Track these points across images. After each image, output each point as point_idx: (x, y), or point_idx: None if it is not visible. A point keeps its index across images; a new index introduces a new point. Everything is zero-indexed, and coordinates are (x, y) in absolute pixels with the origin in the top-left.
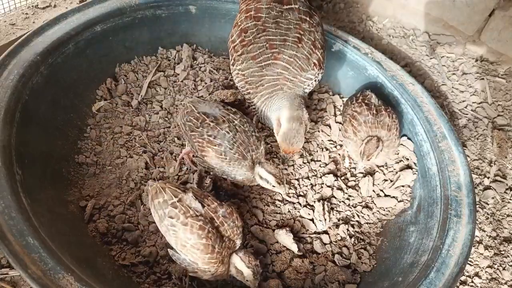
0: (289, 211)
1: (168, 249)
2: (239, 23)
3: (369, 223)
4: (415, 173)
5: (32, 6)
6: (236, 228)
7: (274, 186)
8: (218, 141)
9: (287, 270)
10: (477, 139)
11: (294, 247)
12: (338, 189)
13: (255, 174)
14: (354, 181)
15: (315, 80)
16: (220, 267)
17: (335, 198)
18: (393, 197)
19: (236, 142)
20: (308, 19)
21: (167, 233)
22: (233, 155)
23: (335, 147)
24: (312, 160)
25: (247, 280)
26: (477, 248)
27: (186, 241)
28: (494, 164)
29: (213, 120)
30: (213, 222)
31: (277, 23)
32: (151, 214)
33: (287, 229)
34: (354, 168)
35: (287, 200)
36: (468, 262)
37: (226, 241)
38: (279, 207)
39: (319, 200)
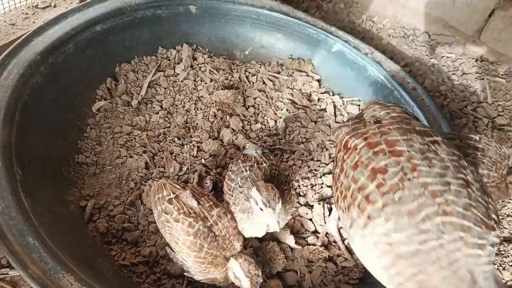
0: None
1: (166, 247)
2: (365, 162)
3: None
4: None
5: (32, 6)
6: (231, 228)
7: (262, 209)
8: (232, 176)
9: (287, 271)
10: None
11: (290, 241)
12: None
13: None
14: None
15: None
16: (212, 269)
17: None
18: None
19: (246, 183)
20: (460, 153)
21: (162, 229)
22: (240, 194)
23: (335, 147)
24: (312, 160)
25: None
26: None
27: (178, 237)
28: None
29: (243, 158)
30: (205, 221)
31: (428, 159)
32: (151, 214)
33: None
34: None
35: None
36: None
37: (220, 242)
38: None
39: (319, 201)
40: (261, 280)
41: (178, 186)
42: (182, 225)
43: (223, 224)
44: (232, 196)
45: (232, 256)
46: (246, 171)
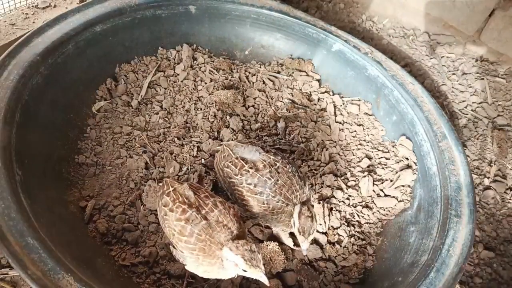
0: None
1: (170, 246)
2: None
3: (369, 223)
4: (415, 173)
5: (32, 6)
6: (230, 216)
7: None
8: (259, 189)
9: (287, 271)
10: (477, 139)
11: (289, 242)
12: (338, 188)
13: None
14: (354, 181)
15: None
16: (202, 257)
17: (335, 198)
18: (393, 197)
19: (278, 189)
20: None
21: (163, 224)
22: (276, 203)
23: (335, 147)
24: (312, 159)
25: (244, 271)
26: (477, 248)
27: (174, 228)
28: (494, 164)
29: (253, 166)
30: (200, 209)
31: None
32: (151, 214)
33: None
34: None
35: None
36: (468, 262)
37: (216, 228)
38: None
39: (319, 201)
40: (258, 257)
41: (176, 182)
42: (175, 214)
43: (220, 211)
44: (269, 207)
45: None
46: (270, 179)
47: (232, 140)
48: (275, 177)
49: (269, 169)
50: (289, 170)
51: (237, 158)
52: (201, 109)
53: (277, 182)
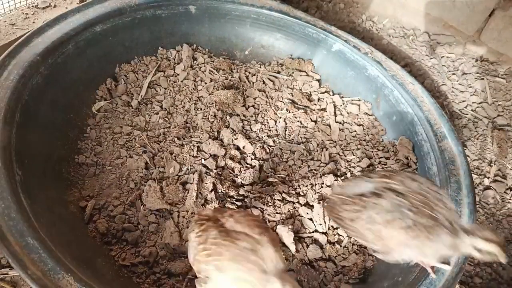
0: (288, 211)
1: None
2: None
3: None
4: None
5: (32, 6)
6: (252, 221)
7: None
8: (397, 214)
9: (287, 271)
10: (477, 139)
11: (292, 247)
12: None
13: (464, 246)
14: None
15: None
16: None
17: None
18: None
19: (414, 204)
20: None
21: (192, 261)
22: (422, 220)
23: (335, 147)
24: (312, 159)
25: None
26: None
27: (196, 247)
28: (494, 164)
29: (372, 195)
30: (216, 222)
31: None
32: (151, 214)
33: (290, 227)
34: None
35: (287, 200)
36: (468, 262)
37: (232, 233)
38: (279, 207)
39: (319, 201)
40: None
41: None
42: (195, 232)
43: (237, 220)
44: (417, 228)
45: (273, 276)
46: (398, 196)
47: (232, 140)
48: (401, 195)
49: (392, 191)
50: (418, 184)
51: (349, 196)
52: (201, 109)
53: (408, 198)
